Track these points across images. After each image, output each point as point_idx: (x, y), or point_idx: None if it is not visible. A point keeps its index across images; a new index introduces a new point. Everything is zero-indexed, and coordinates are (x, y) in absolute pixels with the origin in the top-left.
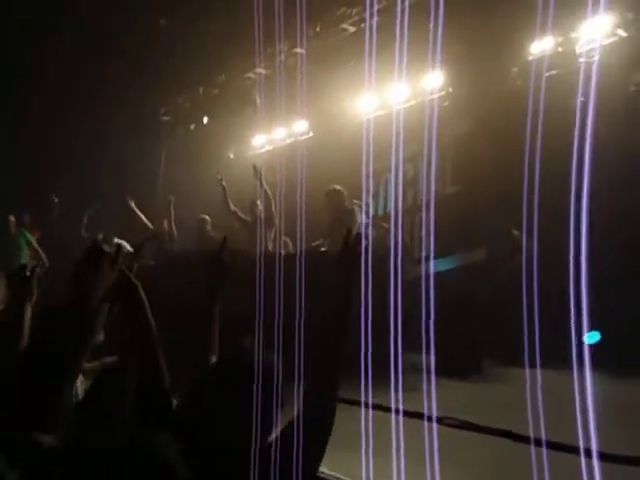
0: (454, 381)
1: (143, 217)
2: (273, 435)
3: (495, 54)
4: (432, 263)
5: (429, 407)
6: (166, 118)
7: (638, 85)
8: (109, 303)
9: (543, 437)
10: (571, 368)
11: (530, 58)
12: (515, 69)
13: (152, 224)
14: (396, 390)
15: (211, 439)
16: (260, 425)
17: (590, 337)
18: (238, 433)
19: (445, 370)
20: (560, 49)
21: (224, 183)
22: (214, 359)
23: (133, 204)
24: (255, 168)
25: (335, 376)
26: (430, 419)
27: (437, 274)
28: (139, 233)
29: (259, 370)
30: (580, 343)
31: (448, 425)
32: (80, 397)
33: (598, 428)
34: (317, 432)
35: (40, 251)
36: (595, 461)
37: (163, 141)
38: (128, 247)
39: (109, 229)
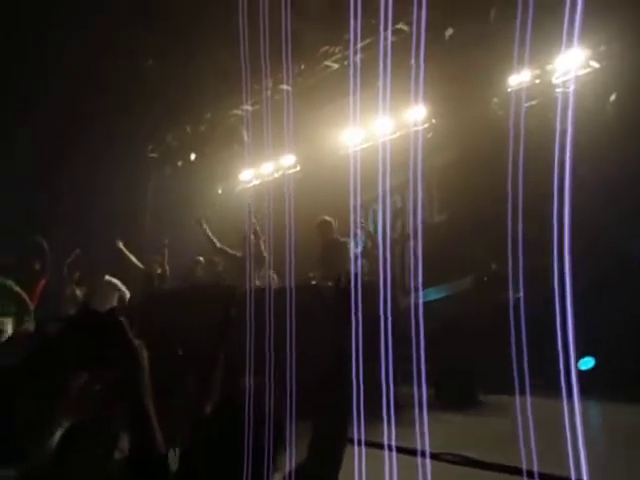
0: (450, 414)
1: (132, 257)
2: (281, 475)
3: (476, 86)
4: (420, 293)
5: (422, 442)
6: (153, 155)
7: (611, 111)
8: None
9: (535, 469)
10: (565, 395)
11: (509, 90)
12: (495, 100)
13: (142, 263)
14: (389, 425)
15: None
16: (263, 466)
17: (584, 363)
18: (240, 474)
19: (441, 403)
20: (537, 81)
21: (205, 225)
22: (211, 405)
23: (122, 244)
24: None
25: (341, 411)
26: (423, 455)
27: (427, 304)
28: (130, 271)
29: (256, 410)
30: (568, 369)
31: (448, 461)
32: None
33: (594, 455)
34: (328, 467)
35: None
36: None
37: (151, 178)
38: (121, 285)
39: (99, 267)
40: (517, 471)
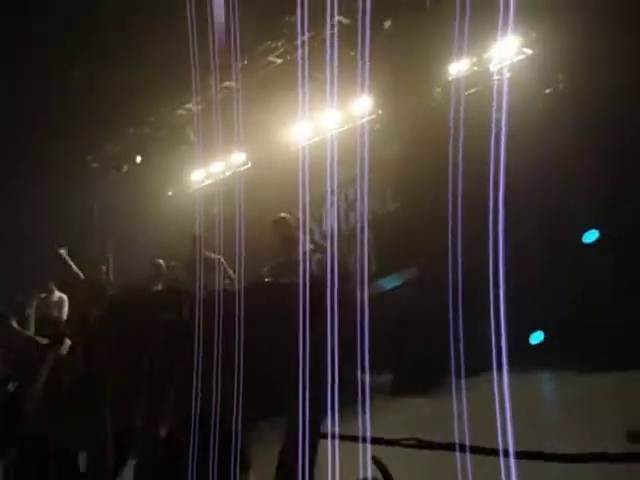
0: (407, 399)
1: (74, 266)
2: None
3: (418, 76)
4: (366, 286)
5: (363, 428)
6: (95, 165)
7: (546, 95)
8: None
9: (468, 444)
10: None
11: (450, 78)
12: (438, 89)
13: (84, 273)
14: (332, 413)
15: None
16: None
17: (534, 337)
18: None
19: (399, 389)
20: (476, 68)
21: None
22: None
23: (64, 252)
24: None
25: (309, 408)
26: (365, 440)
27: (385, 292)
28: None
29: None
30: (499, 347)
31: (406, 446)
32: None
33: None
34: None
35: None
36: (511, 460)
37: (95, 187)
38: (64, 296)
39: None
40: (457, 448)
